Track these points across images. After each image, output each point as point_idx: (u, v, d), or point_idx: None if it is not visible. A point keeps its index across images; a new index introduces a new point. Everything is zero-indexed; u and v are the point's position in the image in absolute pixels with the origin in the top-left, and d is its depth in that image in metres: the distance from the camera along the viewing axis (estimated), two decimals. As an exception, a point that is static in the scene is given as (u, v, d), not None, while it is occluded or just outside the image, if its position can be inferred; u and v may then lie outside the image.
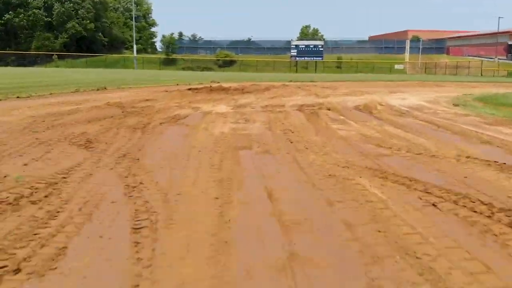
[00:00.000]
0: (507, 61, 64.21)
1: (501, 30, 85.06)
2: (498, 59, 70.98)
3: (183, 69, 66.43)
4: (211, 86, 13.91)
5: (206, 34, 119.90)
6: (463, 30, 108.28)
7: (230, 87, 13.80)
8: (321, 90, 13.25)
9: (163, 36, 75.79)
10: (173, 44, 72.01)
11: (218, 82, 17.47)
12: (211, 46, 77.94)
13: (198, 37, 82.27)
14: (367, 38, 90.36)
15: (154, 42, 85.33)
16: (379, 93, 12.22)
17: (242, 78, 24.78)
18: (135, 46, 69.43)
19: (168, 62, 70.93)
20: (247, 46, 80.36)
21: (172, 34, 73.61)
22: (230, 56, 69.22)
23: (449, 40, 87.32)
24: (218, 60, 67.95)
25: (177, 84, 15.66)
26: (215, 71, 63.76)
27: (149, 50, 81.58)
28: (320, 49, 67.26)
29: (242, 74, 40.82)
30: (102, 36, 72.12)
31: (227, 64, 68.41)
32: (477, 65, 59.67)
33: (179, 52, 75.28)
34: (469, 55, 79.66)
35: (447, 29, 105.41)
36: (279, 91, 12.74)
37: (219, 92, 12.03)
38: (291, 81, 20.62)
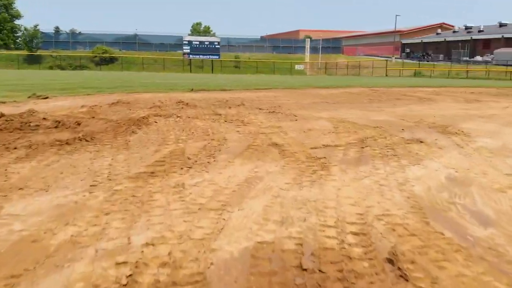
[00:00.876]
0: (407, 61, 63.23)
1: (391, 29, 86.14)
2: (396, 58, 70.42)
3: (51, 67, 54.47)
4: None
5: (89, 29, 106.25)
6: (354, 30, 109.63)
7: None
8: (277, 128, 5.71)
9: (25, 29, 62.25)
10: (37, 38, 59.07)
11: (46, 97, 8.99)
12: (92, 41, 66.05)
13: (78, 32, 69.78)
14: (259, 37, 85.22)
15: (21, 37, 70.26)
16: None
17: (107, 83, 16.22)
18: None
19: (32, 60, 57.96)
20: (133, 41, 70.05)
21: (36, 26, 60.47)
22: (109, 52, 58.56)
23: (344, 39, 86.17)
24: (95, 56, 56.98)
25: None
26: (91, 70, 52.98)
27: (12, 46, 66.68)
28: (217, 46, 60.06)
29: (115, 74, 31.60)
30: None
31: (106, 61, 57.78)
32: (380, 64, 57.25)
33: (54, 47, 62.55)
34: (365, 55, 78.85)
35: (337, 29, 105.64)
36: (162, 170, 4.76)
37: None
38: (192, 89, 12.71)
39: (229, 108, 7.60)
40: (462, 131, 5.28)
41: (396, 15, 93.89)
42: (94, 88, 12.44)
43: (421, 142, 4.50)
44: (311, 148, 4.15)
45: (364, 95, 12.44)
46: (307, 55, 66.15)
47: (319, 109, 7.94)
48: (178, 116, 6.18)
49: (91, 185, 2.95)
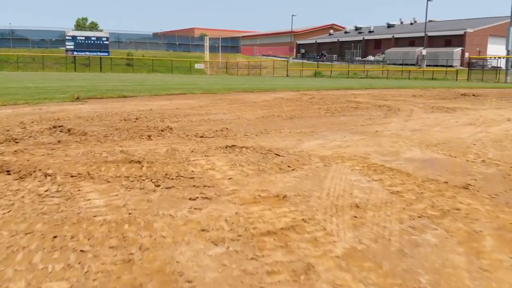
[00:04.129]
0: (303, 61, 63.45)
1: (286, 30, 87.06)
2: (292, 58, 70.71)
3: None
4: None
5: None
6: (250, 30, 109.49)
7: None
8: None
9: None
10: None
11: None
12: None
13: None
14: (151, 34, 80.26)
15: None
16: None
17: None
18: None
19: None
20: (8, 37, 61.02)
21: None
22: (-25, 48, 49.75)
23: (241, 39, 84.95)
24: (-44, 54, 47.92)
25: None
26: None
27: None
28: (105, 42, 54.48)
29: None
30: None
31: (-28, 60, 49.00)
32: (280, 64, 56.49)
33: None
34: (262, 55, 78.36)
35: (232, 28, 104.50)
36: None
37: None
38: (78, 98, 8.99)
39: (148, 138, 4.37)
40: None
41: (292, 15, 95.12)
42: None
43: None
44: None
45: (306, 103, 9.92)
46: (207, 53, 63.14)
47: (290, 132, 5.09)
48: (46, 174, 2.87)
49: None
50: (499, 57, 41.85)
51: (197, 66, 59.75)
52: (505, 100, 11.90)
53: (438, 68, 43.99)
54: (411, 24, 70.03)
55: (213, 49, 66.29)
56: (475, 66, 43.25)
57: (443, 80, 36.17)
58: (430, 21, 66.14)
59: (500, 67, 40.71)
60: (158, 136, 4.50)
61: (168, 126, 5.08)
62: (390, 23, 71.64)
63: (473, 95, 13.64)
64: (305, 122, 6.23)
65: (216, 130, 4.98)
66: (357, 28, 78.11)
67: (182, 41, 73.08)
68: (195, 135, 4.57)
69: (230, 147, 3.90)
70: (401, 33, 63.46)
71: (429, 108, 8.87)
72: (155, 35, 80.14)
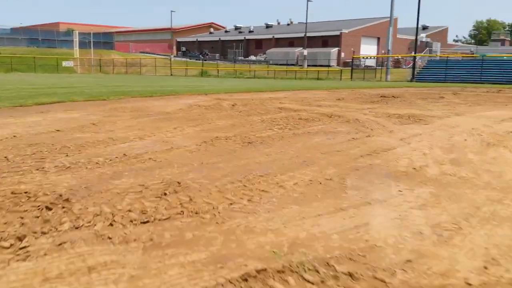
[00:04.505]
0: (185, 59, 60.69)
1: (164, 26, 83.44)
2: (174, 56, 67.50)
3: None
4: None
5: None
6: (124, 26, 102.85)
7: None
8: None
9: None
10: None
11: None
12: None
13: None
14: (10, 29, 70.25)
15: None
16: None
17: None
18: None
19: None
20: None
21: None
22: None
23: (115, 35, 78.94)
24: None
25: None
26: None
27: None
28: None
29: None
30: None
31: None
32: (162, 63, 53.06)
33: None
34: (141, 52, 73.72)
35: (101, 23, 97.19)
36: None
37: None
38: None
39: (20, 249, 1.76)
40: None
41: (172, 11, 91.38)
42: None
43: None
44: None
45: (235, 112, 7.76)
46: (76, 50, 56.63)
47: (297, 184, 2.87)
48: None
49: None
50: (378, 56, 44.17)
51: (65, 63, 53.17)
52: (439, 103, 11.06)
53: (321, 68, 44.90)
54: (288, 25, 71.60)
55: (83, 45, 59.70)
56: (350, 65, 44.89)
57: (327, 80, 36.64)
58: (303, 22, 68.33)
59: (372, 66, 42.79)
60: (49, 231, 1.92)
61: (60, 195, 2.45)
62: (269, 23, 72.38)
63: (393, 96, 12.81)
64: (280, 152, 4.05)
65: (163, 195, 2.53)
66: (237, 28, 77.60)
67: (46, 36, 64.97)
68: (129, 220, 2.08)
69: (253, 276, 1.54)
70: (280, 33, 64.29)
71: (386, 117, 7.32)
72: (15, 30, 70.00)
